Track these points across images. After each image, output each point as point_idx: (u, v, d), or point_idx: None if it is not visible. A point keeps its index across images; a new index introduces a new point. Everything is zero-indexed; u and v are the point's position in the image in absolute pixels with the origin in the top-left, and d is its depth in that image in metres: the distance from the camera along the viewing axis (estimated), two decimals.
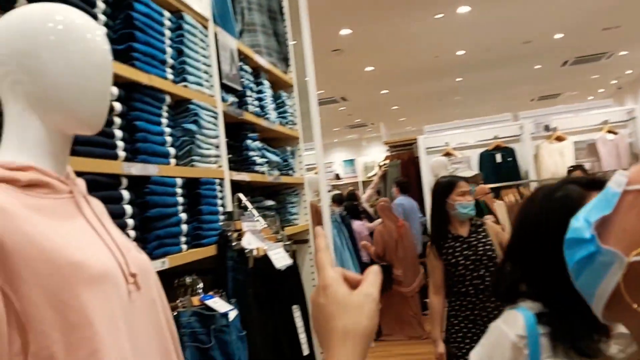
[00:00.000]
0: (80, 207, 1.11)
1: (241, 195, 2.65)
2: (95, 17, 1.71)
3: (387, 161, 8.52)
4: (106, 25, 1.78)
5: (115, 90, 1.75)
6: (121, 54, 1.90)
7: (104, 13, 1.77)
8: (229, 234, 2.34)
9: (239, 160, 2.96)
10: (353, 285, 0.80)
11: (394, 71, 11.04)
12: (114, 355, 0.99)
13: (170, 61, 2.15)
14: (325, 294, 0.78)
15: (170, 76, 2.15)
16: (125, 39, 1.91)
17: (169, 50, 2.14)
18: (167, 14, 2.16)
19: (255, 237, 2.43)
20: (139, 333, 1.10)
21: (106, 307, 1.02)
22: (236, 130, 2.98)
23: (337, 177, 15.78)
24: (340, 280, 0.80)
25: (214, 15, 2.70)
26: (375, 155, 16.15)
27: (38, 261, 0.94)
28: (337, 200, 7.11)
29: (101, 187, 1.63)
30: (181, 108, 2.29)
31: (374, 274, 0.81)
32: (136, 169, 1.81)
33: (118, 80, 1.85)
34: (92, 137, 1.55)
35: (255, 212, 2.62)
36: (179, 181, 2.10)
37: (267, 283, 2.46)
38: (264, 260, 2.43)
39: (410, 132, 15.66)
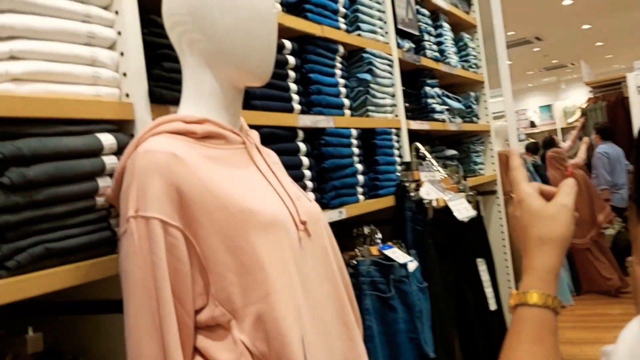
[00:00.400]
0: (252, 156, 1.15)
1: (419, 145, 2.57)
2: None
3: (590, 104, 7.67)
4: None
5: (288, 44, 1.77)
6: (294, 7, 1.92)
7: None
8: (407, 184, 2.29)
9: (417, 108, 2.87)
10: (549, 197, 0.83)
11: (596, 2, 9.80)
12: (286, 298, 1.02)
13: (342, 10, 2.12)
14: (520, 207, 0.83)
15: (343, 26, 2.12)
16: None
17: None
18: None
19: (434, 187, 2.35)
20: (310, 278, 1.12)
21: (277, 252, 1.04)
22: (413, 78, 2.89)
23: (532, 124, 14.71)
24: (535, 194, 0.83)
25: None
26: (575, 99, 14.69)
27: (214, 208, 0.99)
28: (531, 149, 6.61)
29: (278, 139, 1.68)
30: (355, 58, 2.26)
31: (568, 185, 0.83)
32: (311, 120, 1.83)
33: (291, 34, 1.88)
34: (268, 91, 1.62)
35: (434, 161, 2.53)
36: (353, 132, 2.09)
37: (448, 235, 2.38)
38: (445, 211, 2.35)
39: (618, 70, 13.88)
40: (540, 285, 0.77)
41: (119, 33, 1.21)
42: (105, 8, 1.21)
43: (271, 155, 1.28)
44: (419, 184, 2.32)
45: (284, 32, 1.83)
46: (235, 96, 1.16)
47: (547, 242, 0.78)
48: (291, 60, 1.78)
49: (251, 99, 1.58)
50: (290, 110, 1.76)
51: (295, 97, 1.79)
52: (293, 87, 1.79)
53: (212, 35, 1.08)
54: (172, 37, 1.13)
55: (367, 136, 2.24)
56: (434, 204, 2.32)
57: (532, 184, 0.85)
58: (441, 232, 2.33)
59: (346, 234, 2.04)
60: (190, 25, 1.09)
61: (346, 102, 2.09)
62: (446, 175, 2.54)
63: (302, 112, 1.82)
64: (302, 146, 1.79)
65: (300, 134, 1.80)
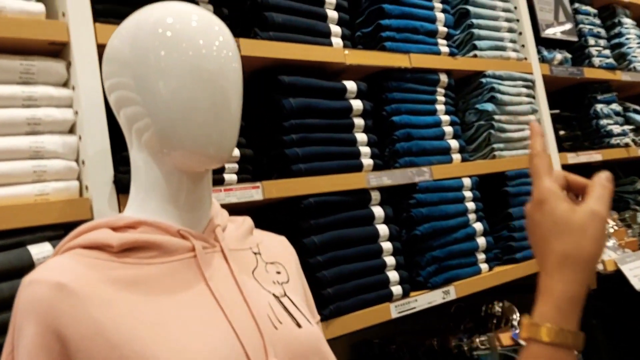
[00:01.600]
0: (203, 269, 0.82)
1: None
2: (322, 2, 1.40)
3: None
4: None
5: (352, 86, 1.41)
6: (369, 38, 1.55)
7: None
8: None
9: (584, 135, 2.23)
10: (578, 190, 0.70)
11: None
12: None
13: (443, 30, 1.68)
14: (541, 210, 0.67)
15: (446, 49, 1.68)
16: (372, 18, 1.55)
17: (439, 16, 1.67)
18: None
19: None
20: None
21: None
22: (576, 96, 2.26)
23: None
24: (559, 193, 0.68)
25: None
26: None
27: None
28: None
29: (337, 208, 1.32)
30: (472, 85, 1.79)
31: (601, 185, 0.67)
32: (391, 177, 1.43)
33: (367, 71, 1.51)
34: (321, 149, 1.28)
35: None
36: (466, 182, 1.62)
37: (623, 313, 1.73)
38: (617, 277, 1.71)
39: None
40: (557, 317, 0.63)
41: (76, 113, 0.99)
42: (64, 84, 1.00)
43: (270, 251, 0.94)
44: None
45: (354, 71, 1.47)
46: (190, 185, 0.84)
47: (572, 262, 0.65)
48: (357, 105, 1.41)
49: (292, 163, 1.26)
50: (359, 168, 1.39)
51: (365, 150, 1.41)
52: (362, 138, 1.41)
53: (147, 105, 0.79)
54: (111, 104, 0.86)
55: (494, 183, 1.74)
56: (600, 267, 1.71)
57: (556, 176, 0.69)
58: (613, 309, 1.70)
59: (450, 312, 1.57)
60: (125, 90, 0.81)
61: (454, 143, 1.64)
62: (620, 227, 1.88)
63: (379, 167, 1.43)
64: (379, 211, 1.40)
65: (375, 196, 1.40)
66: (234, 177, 1.16)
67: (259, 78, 1.32)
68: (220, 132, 0.80)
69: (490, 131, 1.74)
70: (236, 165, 1.17)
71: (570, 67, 2.15)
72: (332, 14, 1.43)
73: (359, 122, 1.41)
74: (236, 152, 1.17)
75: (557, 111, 2.14)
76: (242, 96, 0.84)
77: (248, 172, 1.21)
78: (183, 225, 0.83)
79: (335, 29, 1.42)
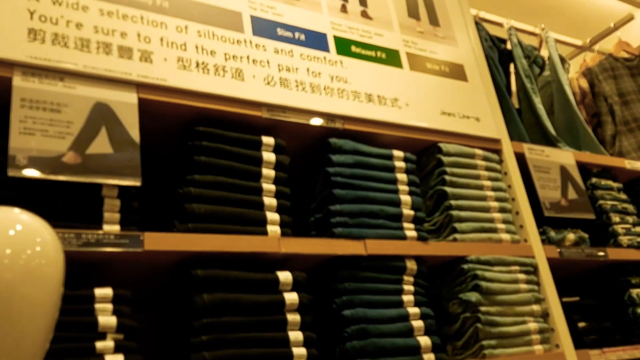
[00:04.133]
0: None
1: None
2: (259, 191, 1.34)
3: None
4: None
5: (288, 278, 1.28)
6: (320, 224, 1.45)
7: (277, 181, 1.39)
8: None
9: (616, 325, 1.90)
10: None
11: None
12: None
13: (409, 213, 1.55)
14: None
15: (413, 233, 1.54)
16: (323, 203, 1.47)
17: (404, 198, 1.56)
18: (397, 153, 1.62)
19: None
20: None
21: None
22: (603, 279, 1.98)
23: None
24: None
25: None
26: None
27: None
28: None
29: None
30: (454, 271, 1.60)
31: None
32: None
33: (318, 260, 1.38)
34: None
35: None
36: None
37: None
38: None
39: None
40: None
41: None
42: None
43: None
44: None
45: (301, 261, 1.35)
46: None
47: None
48: (291, 298, 1.26)
49: None
50: None
51: (301, 351, 1.22)
52: (295, 337, 1.24)
53: None
54: None
55: None
56: None
57: None
58: None
59: None
60: None
61: (426, 341, 1.41)
62: None
63: None
64: None
65: None
66: None
67: (176, 274, 1.22)
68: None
69: (477, 326, 1.51)
70: None
71: (588, 248, 1.91)
72: (270, 202, 1.35)
73: (293, 318, 1.25)
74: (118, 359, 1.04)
75: (575, 299, 1.86)
76: (55, 301, 0.75)
77: None
78: None
79: (273, 216, 1.34)
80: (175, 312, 1.21)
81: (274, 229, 1.32)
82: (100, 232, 1.11)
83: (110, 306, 1.08)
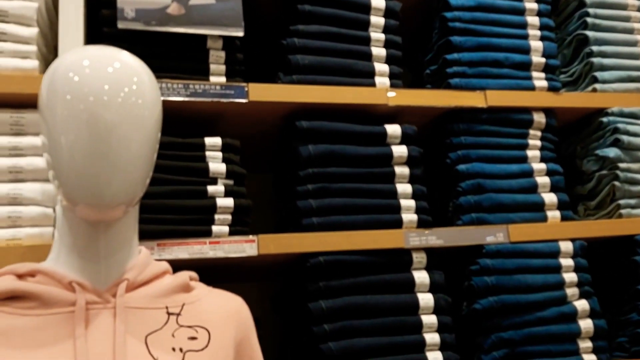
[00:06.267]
0: (76, 325, 0.75)
1: None
2: (367, 40, 1.27)
3: None
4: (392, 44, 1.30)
5: (394, 130, 1.23)
6: (437, 76, 1.36)
7: (387, 29, 1.30)
8: None
9: None
10: None
11: None
12: None
13: (540, 61, 1.39)
14: None
15: (543, 82, 1.38)
16: (440, 53, 1.35)
17: (535, 44, 1.39)
18: None
19: None
20: None
21: None
22: None
23: None
24: None
25: None
26: None
27: None
28: None
29: (356, 270, 1.13)
30: (592, 126, 1.43)
31: None
32: (444, 236, 1.19)
33: (434, 113, 1.31)
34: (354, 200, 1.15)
35: None
36: (565, 246, 1.27)
37: None
38: None
39: None
40: None
41: None
42: None
43: (200, 314, 0.83)
44: None
45: (413, 114, 1.29)
46: (94, 236, 0.79)
47: None
48: (399, 151, 1.22)
49: (303, 216, 1.13)
50: (396, 224, 1.19)
51: (408, 203, 1.20)
52: (404, 189, 1.21)
53: (49, 152, 0.77)
54: None
55: (620, 251, 1.34)
56: None
57: None
58: None
59: None
60: (42, 135, 0.81)
61: (550, 198, 1.31)
62: None
63: (427, 224, 1.21)
64: (422, 277, 1.17)
65: (419, 258, 1.18)
66: (225, 229, 1.08)
67: (281, 125, 1.23)
68: (97, 182, 0.73)
69: (614, 183, 1.36)
70: (229, 217, 1.09)
71: None
72: (379, 52, 1.28)
73: (401, 170, 1.22)
74: (229, 203, 1.09)
75: None
76: (151, 144, 0.78)
77: (244, 225, 1.11)
78: (86, 277, 0.78)
79: (382, 67, 1.27)
80: (283, 165, 1.23)
81: (382, 80, 1.26)
82: (206, 82, 1.13)
83: (220, 154, 1.12)
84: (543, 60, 1.39)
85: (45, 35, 1.12)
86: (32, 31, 1.04)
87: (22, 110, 1.03)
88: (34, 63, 1.04)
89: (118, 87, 0.75)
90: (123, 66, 0.77)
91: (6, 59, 1.02)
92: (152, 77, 0.81)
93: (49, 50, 1.15)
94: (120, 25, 1.09)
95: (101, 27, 1.12)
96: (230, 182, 1.12)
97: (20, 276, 0.78)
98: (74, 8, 1.09)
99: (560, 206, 1.32)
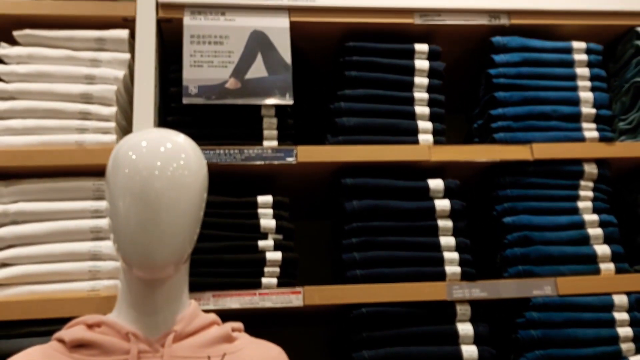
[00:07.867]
0: None
1: None
2: (411, 100, 1.35)
3: None
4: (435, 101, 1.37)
5: (439, 185, 1.28)
6: (483, 130, 1.40)
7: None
8: None
9: None
10: None
11: None
12: None
13: (588, 111, 1.39)
14: None
15: (594, 133, 1.38)
16: (486, 108, 1.40)
17: (585, 96, 1.40)
18: (577, 45, 1.44)
19: None
20: None
21: None
22: None
23: None
24: None
25: None
26: None
27: None
28: None
29: (400, 321, 1.19)
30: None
31: None
32: (488, 289, 1.22)
33: (478, 167, 1.35)
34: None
35: None
36: (620, 299, 1.24)
37: None
38: None
39: None
40: None
41: None
42: None
43: None
44: None
45: (458, 168, 1.34)
46: (146, 291, 0.92)
47: None
48: (442, 205, 1.27)
49: (347, 269, 1.21)
50: (440, 276, 1.23)
51: (451, 256, 1.24)
52: (447, 242, 1.26)
53: (110, 218, 0.92)
54: None
55: None
56: None
57: None
58: None
59: None
60: (106, 202, 0.96)
61: (603, 250, 1.30)
62: None
63: (471, 276, 1.24)
64: (466, 329, 1.20)
65: (463, 310, 1.21)
66: (274, 280, 1.18)
67: (328, 182, 1.32)
68: (148, 245, 0.86)
69: None
70: (277, 269, 1.19)
71: None
72: (422, 110, 1.35)
73: (444, 223, 1.27)
74: (277, 256, 1.19)
75: None
76: (196, 204, 0.90)
77: (292, 277, 1.20)
78: (141, 328, 0.91)
79: (425, 125, 1.34)
80: (330, 219, 1.32)
81: (425, 138, 1.32)
82: (259, 147, 1.25)
83: (270, 211, 1.24)
84: (594, 111, 1.39)
85: (124, 110, 1.30)
86: (112, 110, 1.22)
87: (102, 178, 1.20)
88: (112, 137, 1.21)
89: (168, 163, 0.88)
90: (174, 145, 0.91)
91: (90, 134, 1.21)
92: (197, 151, 0.94)
93: (128, 122, 1.33)
94: (185, 100, 1.25)
95: (169, 103, 1.28)
96: (280, 236, 1.22)
97: (90, 326, 0.91)
98: (147, 87, 1.26)
99: (615, 258, 1.30)
